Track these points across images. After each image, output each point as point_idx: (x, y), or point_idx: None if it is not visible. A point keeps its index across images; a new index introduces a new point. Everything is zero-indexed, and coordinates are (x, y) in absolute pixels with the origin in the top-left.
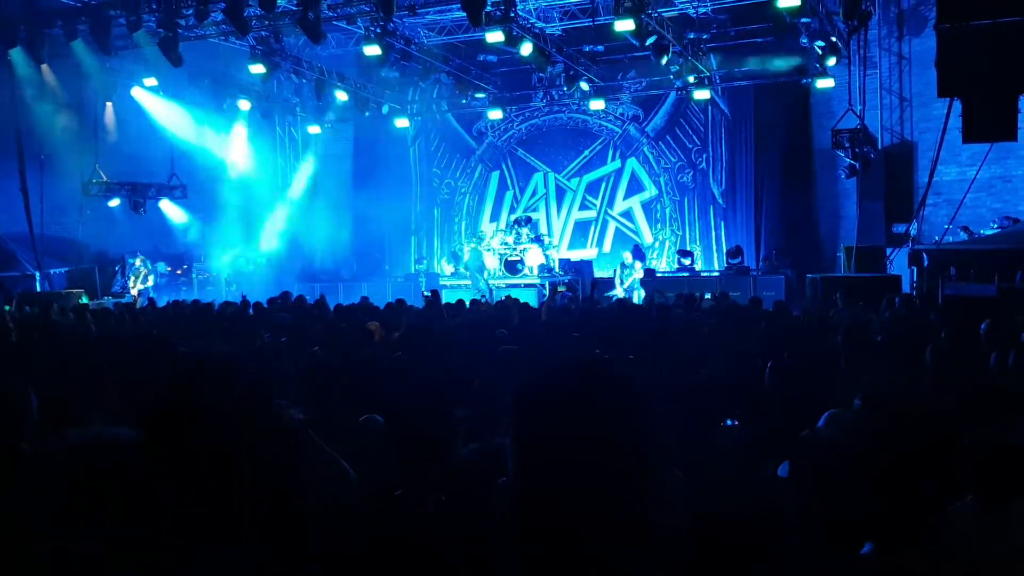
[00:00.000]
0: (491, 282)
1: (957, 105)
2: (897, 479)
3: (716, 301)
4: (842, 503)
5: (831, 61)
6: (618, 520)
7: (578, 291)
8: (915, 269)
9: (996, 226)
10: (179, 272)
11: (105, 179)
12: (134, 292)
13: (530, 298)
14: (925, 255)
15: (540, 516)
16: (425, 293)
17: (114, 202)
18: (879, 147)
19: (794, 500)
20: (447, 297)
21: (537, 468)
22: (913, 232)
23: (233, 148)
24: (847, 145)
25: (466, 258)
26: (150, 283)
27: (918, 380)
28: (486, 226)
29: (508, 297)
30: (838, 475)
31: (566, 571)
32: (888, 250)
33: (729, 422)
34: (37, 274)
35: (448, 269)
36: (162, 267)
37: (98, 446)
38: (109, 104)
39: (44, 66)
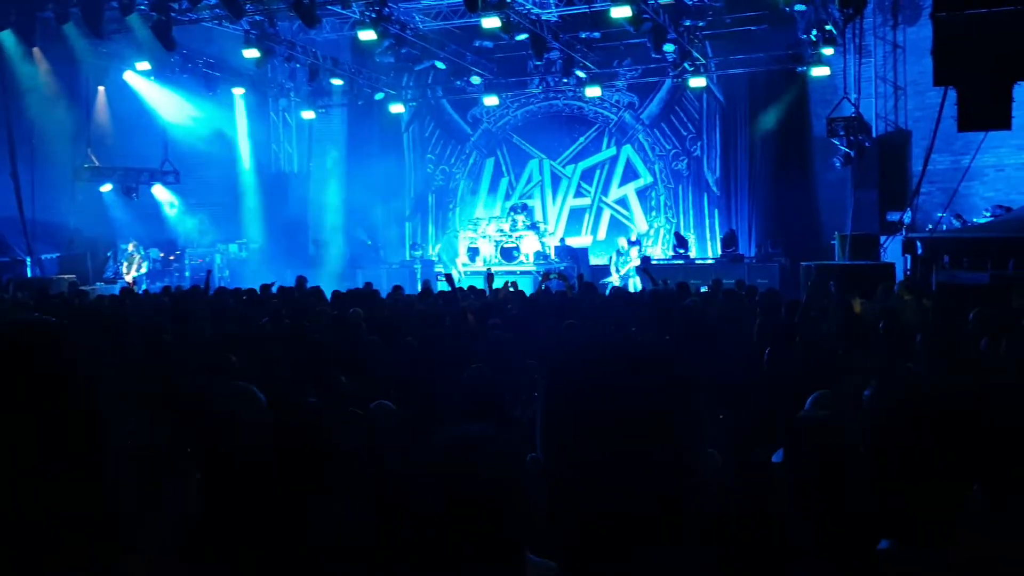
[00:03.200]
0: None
1: (952, 94)
2: (918, 466)
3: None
4: (854, 493)
5: (826, 50)
6: (657, 497)
7: (572, 278)
8: (909, 257)
9: (989, 215)
10: (171, 258)
11: (97, 164)
12: (129, 279)
13: (526, 285)
14: (919, 243)
15: (573, 492)
16: (441, 278)
17: (106, 187)
18: (874, 135)
19: (789, 486)
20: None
21: (574, 445)
22: (907, 220)
23: (226, 133)
24: (842, 133)
25: (438, 248)
26: (144, 269)
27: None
28: (481, 213)
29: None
30: (850, 460)
31: (602, 547)
32: (882, 238)
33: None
34: (28, 259)
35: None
36: (155, 253)
37: None
38: (101, 88)
39: (35, 49)
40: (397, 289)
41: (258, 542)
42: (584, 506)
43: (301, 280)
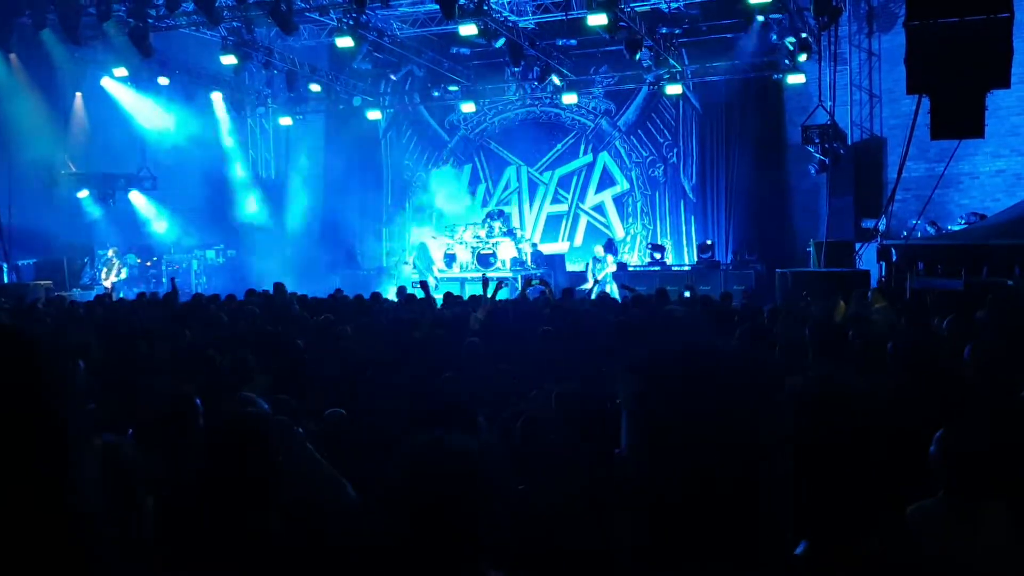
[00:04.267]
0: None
1: (926, 102)
2: (834, 465)
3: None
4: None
5: (802, 57)
6: (737, 496)
7: (551, 285)
8: (884, 264)
9: (964, 222)
10: (148, 264)
11: (74, 170)
12: (107, 284)
13: (501, 292)
14: (893, 250)
15: (660, 488)
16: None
17: (83, 193)
18: (849, 143)
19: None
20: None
21: (662, 442)
22: (882, 227)
23: (203, 138)
24: (817, 141)
25: (413, 256)
26: (123, 275)
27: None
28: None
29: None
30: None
31: (682, 541)
32: (857, 245)
33: None
34: (4, 265)
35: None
36: (132, 259)
37: None
38: (78, 94)
39: (12, 55)
40: (375, 296)
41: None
42: (669, 499)
43: (279, 287)
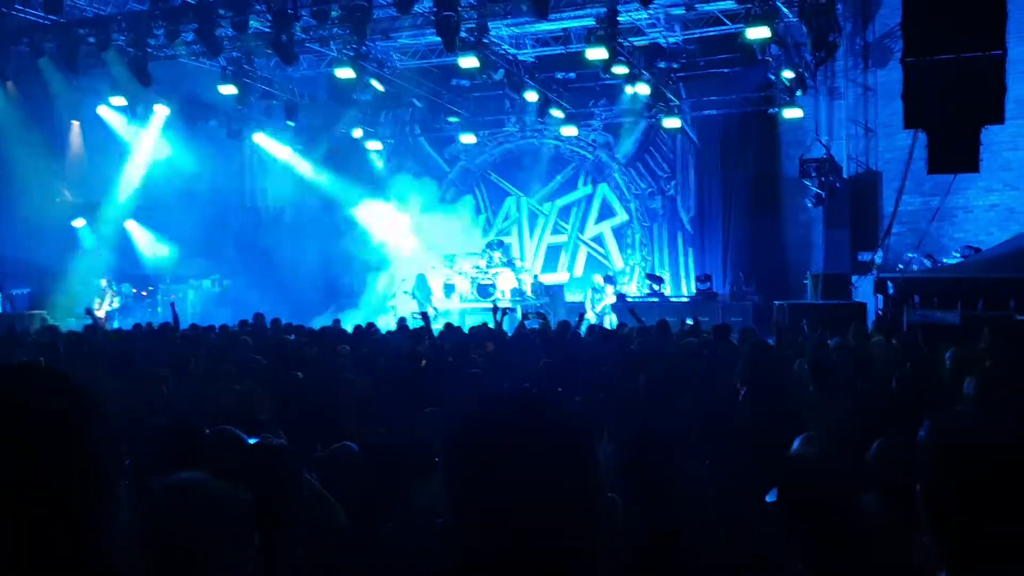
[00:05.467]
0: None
1: (922, 136)
2: (974, 508)
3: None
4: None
5: (799, 92)
6: (565, 557)
7: (550, 317)
8: (880, 297)
9: (959, 255)
10: (144, 294)
11: (70, 198)
12: (100, 314)
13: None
14: (890, 283)
15: (483, 559)
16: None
17: (79, 222)
18: (845, 176)
19: (783, 525)
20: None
21: (476, 509)
22: (878, 260)
23: (200, 167)
24: (814, 174)
25: (412, 285)
26: (116, 304)
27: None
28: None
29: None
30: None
31: None
32: (853, 277)
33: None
34: None
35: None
36: (127, 288)
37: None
38: (75, 123)
39: (9, 83)
40: (370, 326)
41: None
42: (489, 561)
43: (259, 317)
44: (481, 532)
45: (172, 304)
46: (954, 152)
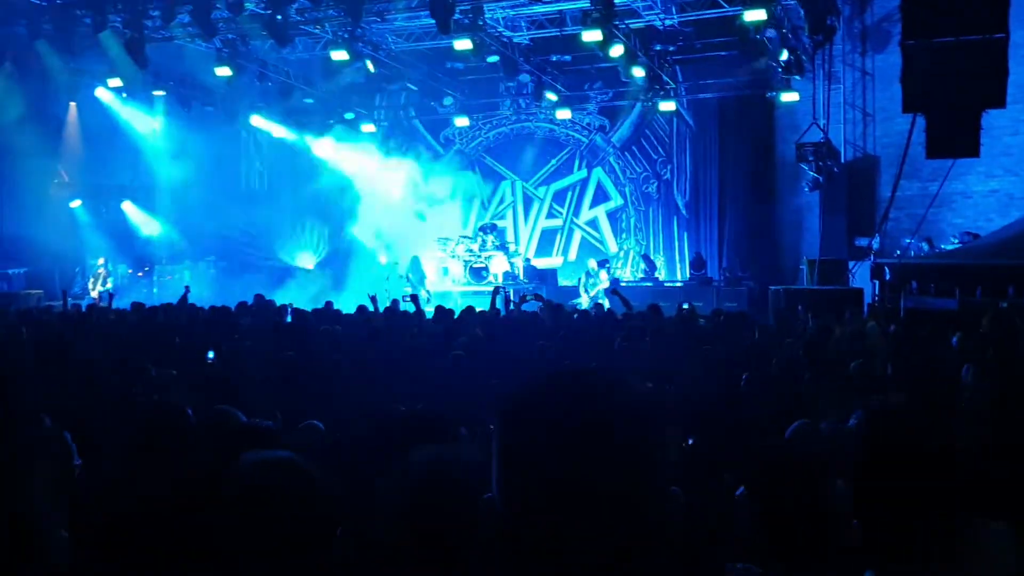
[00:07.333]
0: (452, 289)
1: (920, 121)
2: (901, 494)
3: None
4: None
5: (796, 75)
6: (618, 542)
7: (546, 299)
8: (877, 282)
9: (957, 241)
10: (140, 274)
11: (67, 179)
12: (94, 294)
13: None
14: (887, 269)
15: (531, 536)
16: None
17: (75, 203)
18: (842, 161)
19: (752, 516)
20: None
21: (528, 486)
22: (875, 246)
23: (195, 149)
24: (811, 159)
25: (405, 267)
26: (108, 285)
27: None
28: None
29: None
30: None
31: None
32: (850, 263)
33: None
34: None
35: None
36: (123, 269)
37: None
38: (73, 104)
39: (7, 64)
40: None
41: None
42: (541, 550)
43: (259, 298)
44: (530, 516)
45: (187, 288)
46: (953, 137)
